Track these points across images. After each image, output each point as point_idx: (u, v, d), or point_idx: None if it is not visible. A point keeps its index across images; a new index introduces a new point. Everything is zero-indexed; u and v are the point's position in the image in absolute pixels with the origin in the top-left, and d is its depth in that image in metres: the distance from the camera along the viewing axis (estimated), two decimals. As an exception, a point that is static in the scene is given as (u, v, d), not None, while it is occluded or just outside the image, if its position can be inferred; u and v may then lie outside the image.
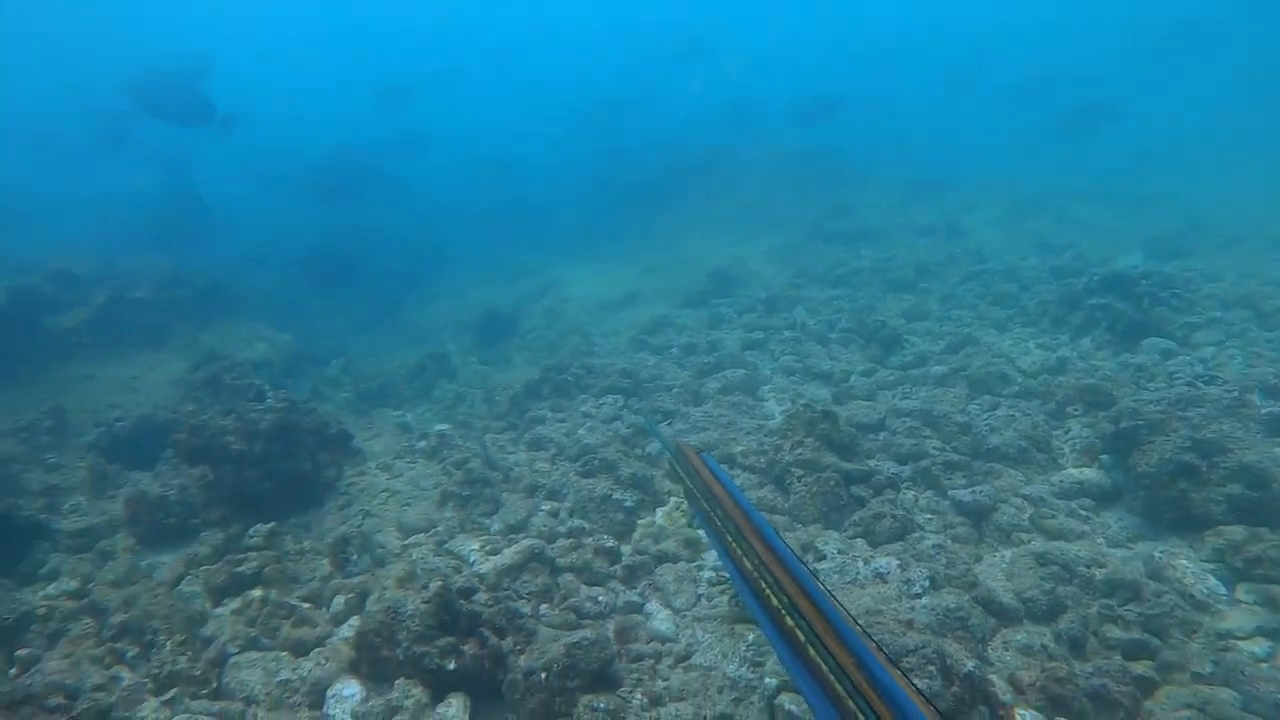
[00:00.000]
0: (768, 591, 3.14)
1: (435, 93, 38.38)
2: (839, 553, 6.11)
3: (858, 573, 5.83)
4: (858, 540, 6.39)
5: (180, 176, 26.36)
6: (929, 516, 6.73)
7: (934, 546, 6.01)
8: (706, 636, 5.38)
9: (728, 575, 3.82)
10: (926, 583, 5.48)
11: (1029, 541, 6.20)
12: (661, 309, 14.84)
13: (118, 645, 5.48)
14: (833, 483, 6.94)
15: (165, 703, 4.91)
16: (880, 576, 5.72)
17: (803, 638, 2.82)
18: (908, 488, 7.28)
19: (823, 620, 2.78)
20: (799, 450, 7.44)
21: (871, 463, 7.59)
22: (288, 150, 29.32)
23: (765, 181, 24.16)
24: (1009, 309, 12.11)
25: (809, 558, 6.18)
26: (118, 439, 9.52)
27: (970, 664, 4.34)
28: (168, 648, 5.41)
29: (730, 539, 3.59)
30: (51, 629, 5.76)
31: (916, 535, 6.30)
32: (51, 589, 6.52)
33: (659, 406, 9.85)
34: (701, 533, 6.53)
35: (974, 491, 6.82)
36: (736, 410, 9.56)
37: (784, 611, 2.98)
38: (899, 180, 23.68)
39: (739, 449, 8.24)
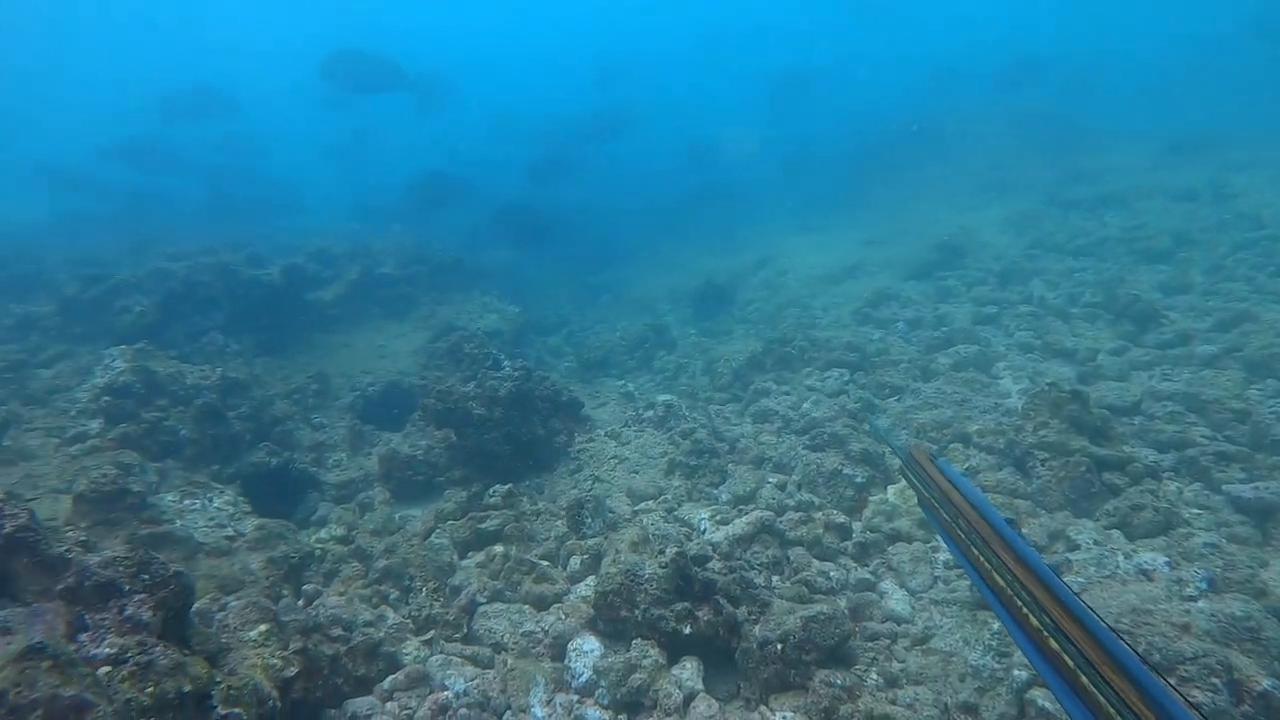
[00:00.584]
0: (1025, 611, 2.89)
1: (646, 73, 39.07)
2: (1094, 544, 5.64)
3: (1117, 567, 5.35)
4: (1113, 532, 5.85)
5: (450, 159, 28.42)
6: (1197, 511, 6.05)
7: (1207, 545, 5.41)
8: (946, 621, 5.16)
9: (979, 591, 3.55)
10: (1204, 584, 4.94)
11: (1332, 548, 5.42)
12: (884, 281, 14.28)
13: (382, 588, 6.01)
14: (1083, 468, 6.40)
15: (425, 642, 5.35)
16: (1145, 573, 5.23)
17: (1072, 663, 2.59)
18: (1170, 478, 6.58)
19: (1095, 645, 2.52)
20: (1043, 432, 6.93)
21: (1127, 449, 6.93)
22: (511, 128, 30.57)
23: (992, 147, 22.57)
24: (1298, 280, 10.60)
25: (1059, 546, 5.75)
26: (370, 402, 10.47)
27: (1266, 682, 3.86)
28: (423, 593, 5.89)
29: (977, 552, 3.33)
30: (326, 568, 6.41)
31: (1183, 531, 5.69)
32: (323, 533, 7.31)
33: (886, 381, 9.51)
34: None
35: (1258, 487, 6.04)
36: (969, 388, 9.04)
37: (1047, 634, 2.74)
38: (1148, 139, 21.33)
39: (974, 428, 7.80)
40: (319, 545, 6.86)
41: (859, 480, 7.00)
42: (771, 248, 19.08)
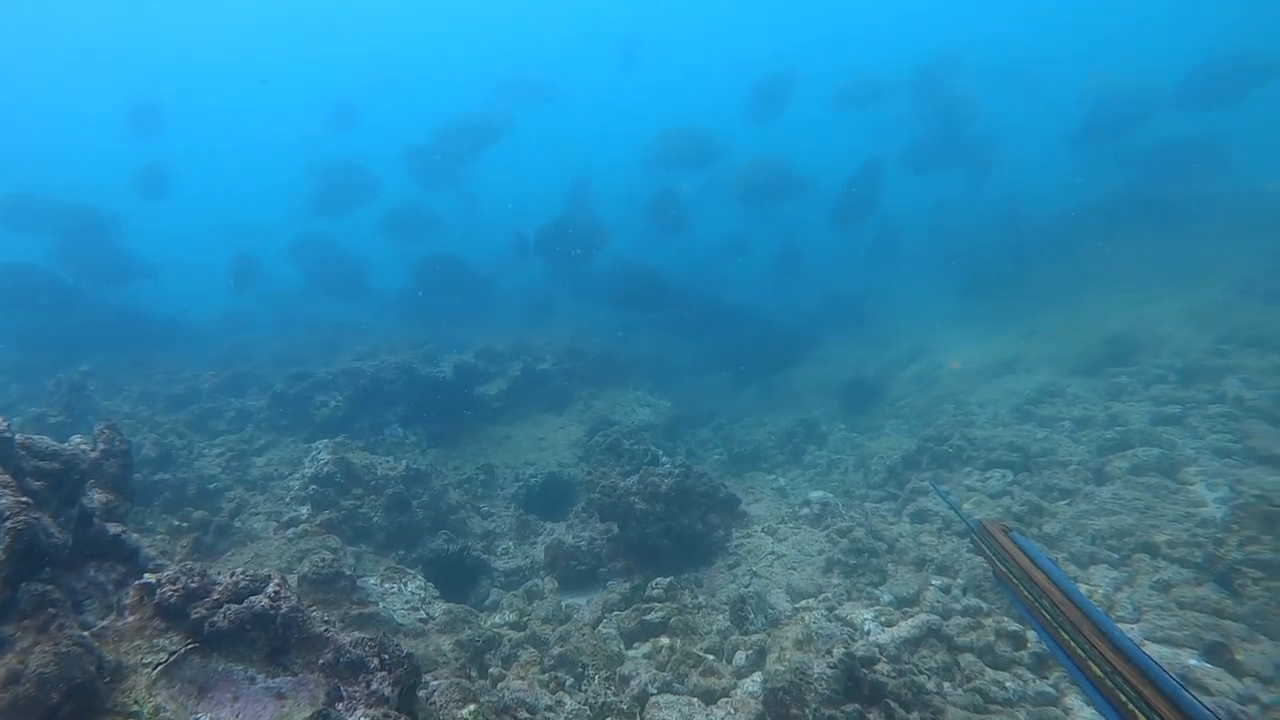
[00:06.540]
0: (1132, 707, 2.81)
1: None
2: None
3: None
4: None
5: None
6: None
7: None
8: (1141, 747, 4.94)
9: (1074, 681, 3.37)
10: None
11: None
12: (1046, 377, 13.78)
13: (557, 674, 6.35)
14: (1307, 591, 6.03)
15: (601, 730, 5.59)
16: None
17: None
18: None
19: None
20: (1252, 548, 6.55)
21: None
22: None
23: (1181, 231, 21.01)
24: None
25: None
26: (531, 492, 11.04)
27: None
28: (596, 681, 6.16)
29: (1067, 636, 3.19)
30: (505, 653, 6.81)
31: None
32: (497, 618, 7.77)
33: (1054, 484, 9.22)
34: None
35: None
36: (1153, 494, 8.58)
37: None
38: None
39: (1162, 538, 7.44)
40: (494, 630, 7.28)
41: (1031, 587, 6.80)
42: (925, 339, 18.70)
